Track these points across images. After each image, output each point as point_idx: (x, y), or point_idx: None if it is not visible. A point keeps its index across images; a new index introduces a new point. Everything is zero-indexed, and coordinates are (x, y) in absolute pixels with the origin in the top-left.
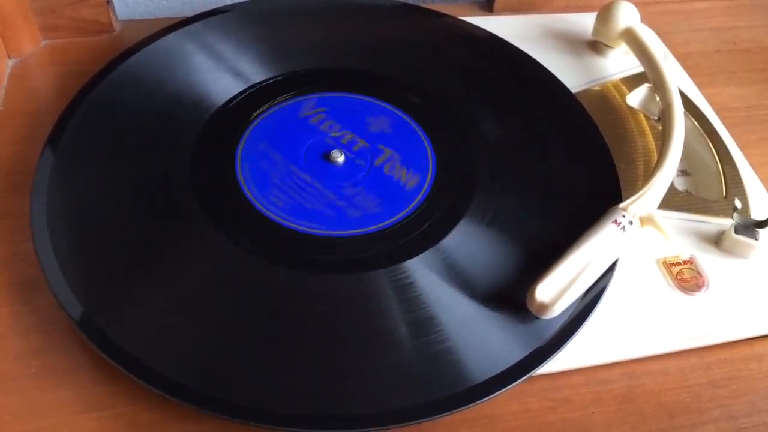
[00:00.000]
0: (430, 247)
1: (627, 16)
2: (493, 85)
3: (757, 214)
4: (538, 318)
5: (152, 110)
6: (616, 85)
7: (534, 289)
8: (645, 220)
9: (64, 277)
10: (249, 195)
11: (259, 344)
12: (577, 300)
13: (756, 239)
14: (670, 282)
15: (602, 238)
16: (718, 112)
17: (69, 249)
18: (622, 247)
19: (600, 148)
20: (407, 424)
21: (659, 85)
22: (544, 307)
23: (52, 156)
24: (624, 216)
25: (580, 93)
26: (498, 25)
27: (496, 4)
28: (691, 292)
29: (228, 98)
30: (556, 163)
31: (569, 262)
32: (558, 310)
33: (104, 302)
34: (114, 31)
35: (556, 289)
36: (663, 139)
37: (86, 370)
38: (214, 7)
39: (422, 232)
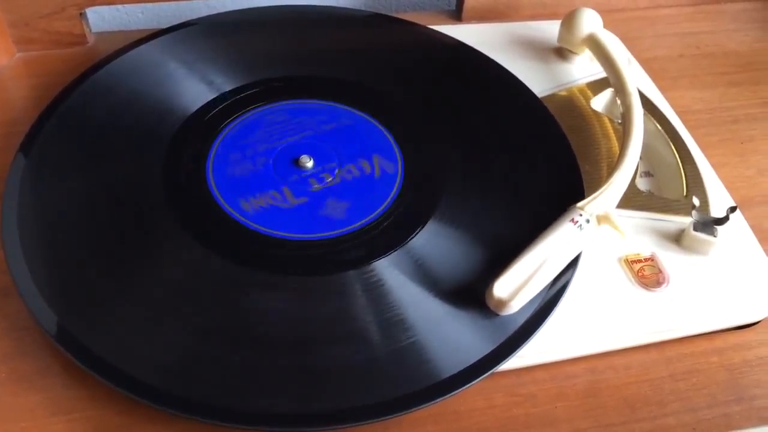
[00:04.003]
0: (399, 247)
1: (590, 23)
2: (461, 91)
3: (716, 213)
4: (498, 314)
5: (124, 119)
6: (581, 90)
7: (492, 285)
8: (602, 219)
9: (33, 283)
10: (220, 201)
11: (228, 346)
12: (539, 296)
13: (714, 236)
14: (632, 279)
15: (559, 235)
16: (681, 114)
17: (39, 255)
18: (579, 244)
19: (564, 151)
20: (374, 420)
21: (620, 89)
22: (502, 303)
23: (23, 164)
24: (581, 215)
25: (546, 97)
26: (466, 33)
27: (465, 13)
28: (652, 289)
29: (198, 107)
30: (521, 165)
31: (527, 260)
32: (516, 306)
33: (74, 307)
34: (88, 43)
35: (514, 285)
36: (622, 141)
37: (56, 374)
38: (188, 18)
39: (391, 233)
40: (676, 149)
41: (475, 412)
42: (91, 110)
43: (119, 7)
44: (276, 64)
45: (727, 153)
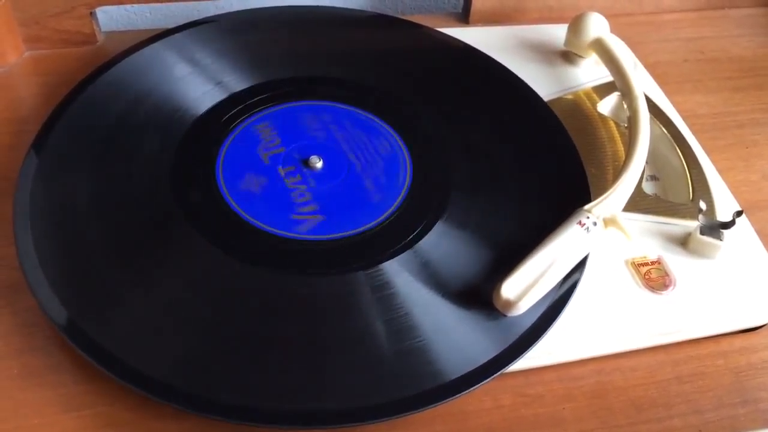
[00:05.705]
0: (408, 249)
1: (597, 27)
2: (468, 93)
3: (722, 216)
4: (505, 315)
5: (134, 118)
6: (587, 94)
7: (500, 286)
8: (608, 222)
9: (45, 279)
10: (230, 200)
11: (236, 344)
12: (546, 298)
13: (720, 240)
14: (639, 281)
15: (567, 238)
16: (686, 119)
17: (50, 252)
18: (587, 247)
19: (571, 154)
20: (382, 420)
21: (626, 93)
22: (509, 304)
23: (35, 162)
24: (588, 217)
25: (552, 101)
26: (474, 36)
27: (472, 16)
28: (658, 291)
29: (209, 107)
30: (528, 167)
31: (535, 261)
32: (523, 307)
33: (85, 304)
34: (97, 42)
35: (522, 286)
36: (628, 144)
37: (67, 371)
38: (196, 18)
39: (399, 234)
40: (681, 153)
41: (483, 412)
42: (101, 109)
43: (128, 6)
44: (283, 64)
45: (732, 157)
